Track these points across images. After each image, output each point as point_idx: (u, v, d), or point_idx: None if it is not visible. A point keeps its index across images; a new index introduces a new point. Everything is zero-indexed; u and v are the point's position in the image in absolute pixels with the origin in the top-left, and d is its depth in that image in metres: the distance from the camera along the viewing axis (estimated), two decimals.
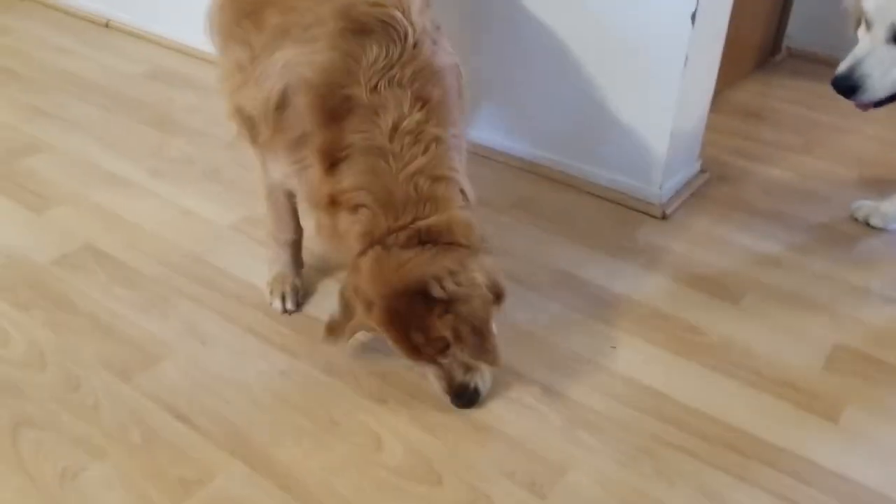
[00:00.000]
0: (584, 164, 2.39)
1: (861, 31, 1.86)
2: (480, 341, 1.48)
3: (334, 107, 1.44)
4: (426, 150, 1.46)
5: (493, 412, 1.61)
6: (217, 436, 1.54)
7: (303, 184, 1.57)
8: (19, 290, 1.91)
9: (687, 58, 2.07)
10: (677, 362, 1.76)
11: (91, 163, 2.44)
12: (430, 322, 1.45)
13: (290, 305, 1.85)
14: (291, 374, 1.70)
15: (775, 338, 1.83)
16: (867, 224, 2.24)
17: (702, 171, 2.46)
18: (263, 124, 1.54)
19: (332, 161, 1.46)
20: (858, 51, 1.84)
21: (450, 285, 1.42)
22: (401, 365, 1.70)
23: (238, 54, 1.59)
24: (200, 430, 1.55)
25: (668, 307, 1.92)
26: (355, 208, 1.47)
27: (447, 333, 1.46)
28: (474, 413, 1.61)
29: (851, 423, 1.61)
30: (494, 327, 1.54)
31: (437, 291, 1.42)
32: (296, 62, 1.47)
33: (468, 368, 1.57)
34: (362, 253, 1.48)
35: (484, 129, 2.53)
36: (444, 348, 1.49)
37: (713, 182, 2.44)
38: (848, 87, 1.84)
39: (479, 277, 1.44)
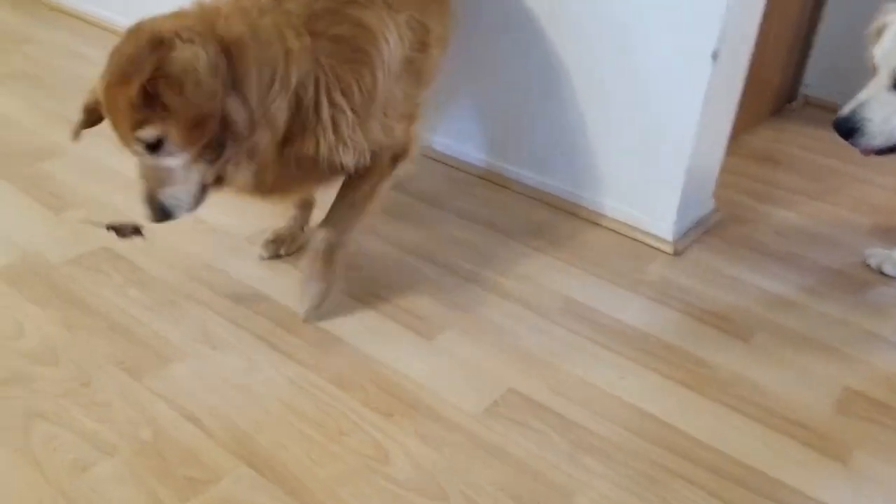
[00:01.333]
0: (600, 197, 2.40)
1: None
2: None
3: None
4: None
5: (499, 433, 1.61)
6: (225, 439, 1.54)
7: None
8: (35, 286, 1.92)
9: (706, 97, 2.09)
10: (685, 394, 1.76)
11: (110, 168, 2.46)
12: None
13: None
14: (300, 383, 1.70)
15: (785, 377, 1.83)
16: (880, 272, 2.24)
17: (715, 210, 2.48)
18: None
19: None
20: (862, 95, 1.85)
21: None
22: (408, 380, 1.72)
23: None
24: (209, 432, 1.56)
25: (677, 340, 1.92)
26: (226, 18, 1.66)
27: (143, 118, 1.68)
28: (482, 433, 1.61)
29: (861, 466, 1.61)
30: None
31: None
32: None
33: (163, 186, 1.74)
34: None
35: (500, 159, 2.56)
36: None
37: (727, 222, 2.45)
38: (847, 129, 1.84)
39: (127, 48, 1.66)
